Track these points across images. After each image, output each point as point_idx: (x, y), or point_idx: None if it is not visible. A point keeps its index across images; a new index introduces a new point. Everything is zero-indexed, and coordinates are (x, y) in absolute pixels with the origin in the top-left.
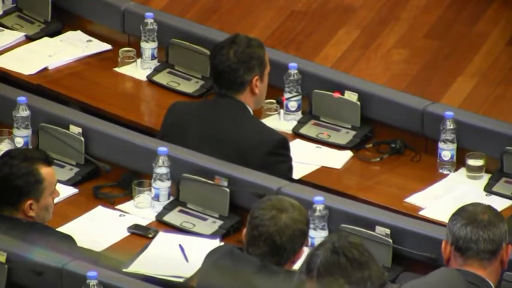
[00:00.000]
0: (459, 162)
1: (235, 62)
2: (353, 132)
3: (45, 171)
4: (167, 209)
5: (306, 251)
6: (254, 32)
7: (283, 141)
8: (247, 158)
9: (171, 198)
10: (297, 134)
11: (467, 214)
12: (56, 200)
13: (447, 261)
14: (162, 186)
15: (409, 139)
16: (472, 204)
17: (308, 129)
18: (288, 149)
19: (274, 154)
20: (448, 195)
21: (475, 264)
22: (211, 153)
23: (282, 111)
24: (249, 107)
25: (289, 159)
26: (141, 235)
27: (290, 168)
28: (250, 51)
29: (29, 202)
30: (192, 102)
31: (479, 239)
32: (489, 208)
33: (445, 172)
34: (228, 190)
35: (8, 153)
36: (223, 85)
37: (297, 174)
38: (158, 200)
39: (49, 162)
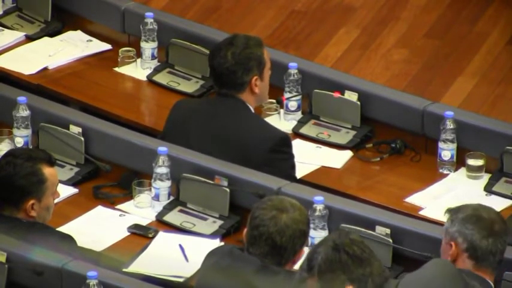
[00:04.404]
0: (459, 162)
1: (233, 64)
2: (353, 132)
3: (48, 171)
4: (167, 208)
5: (306, 251)
6: (254, 32)
7: (285, 138)
8: (249, 156)
9: (171, 198)
10: (297, 133)
11: (484, 224)
12: (56, 200)
13: (452, 262)
14: (162, 186)
15: (409, 139)
16: (487, 211)
17: (308, 129)
18: (290, 146)
19: (276, 151)
20: (448, 195)
21: (488, 272)
22: (213, 150)
23: (282, 111)
24: (249, 106)
25: (291, 156)
26: (141, 235)
27: (293, 166)
28: (247, 52)
29: (31, 202)
30: (195, 100)
31: (497, 252)
32: (498, 214)
33: (445, 172)
34: (228, 190)
35: (11, 153)
36: (223, 86)
37: (297, 174)
38: (158, 200)
39: (52, 162)
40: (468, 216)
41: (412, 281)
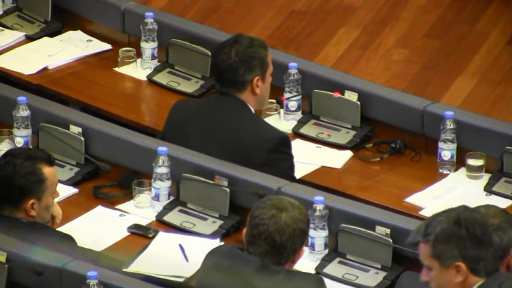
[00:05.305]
0: (459, 162)
1: (236, 61)
2: (353, 132)
3: (47, 170)
4: (167, 208)
5: (306, 250)
6: (254, 32)
7: (284, 139)
8: (248, 156)
9: (171, 198)
10: (297, 133)
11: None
12: (55, 200)
13: None
14: (162, 186)
15: (409, 139)
16: (486, 206)
17: (308, 129)
18: (289, 147)
19: (276, 152)
20: (448, 195)
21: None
22: (212, 150)
23: (282, 111)
24: (250, 106)
25: (291, 157)
26: (141, 235)
27: (292, 167)
28: (251, 51)
29: (31, 201)
30: (194, 100)
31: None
32: (502, 212)
33: (445, 172)
34: (228, 190)
35: (10, 153)
36: (224, 84)
37: (297, 174)
38: (158, 200)
39: (51, 162)
40: None
41: None
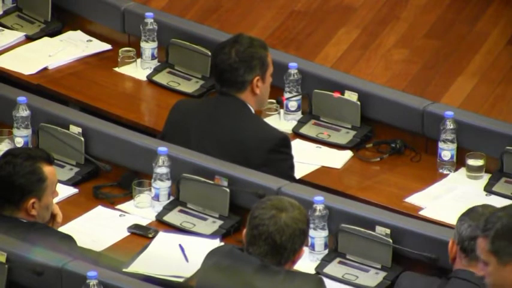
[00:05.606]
0: (459, 162)
1: (236, 61)
2: (353, 132)
3: (47, 170)
4: (167, 208)
5: (306, 250)
6: (254, 32)
7: (284, 139)
8: (248, 156)
9: (171, 198)
10: (297, 133)
11: (475, 215)
12: (55, 200)
13: (453, 260)
14: (162, 186)
15: (409, 139)
16: (483, 205)
17: (308, 129)
18: (289, 147)
19: (276, 152)
20: (448, 195)
21: (479, 266)
22: (212, 151)
23: (282, 111)
24: (250, 106)
25: (291, 157)
26: (141, 235)
27: (292, 167)
28: (251, 51)
29: (32, 201)
30: (194, 100)
31: None
32: (501, 211)
33: (445, 172)
34: (228, 190)
35: (10, 152)
36: (225, 84)
37: (297, 174)
38: (158, 200)
39: (51, 161)
40: (465, 211)
41: None
